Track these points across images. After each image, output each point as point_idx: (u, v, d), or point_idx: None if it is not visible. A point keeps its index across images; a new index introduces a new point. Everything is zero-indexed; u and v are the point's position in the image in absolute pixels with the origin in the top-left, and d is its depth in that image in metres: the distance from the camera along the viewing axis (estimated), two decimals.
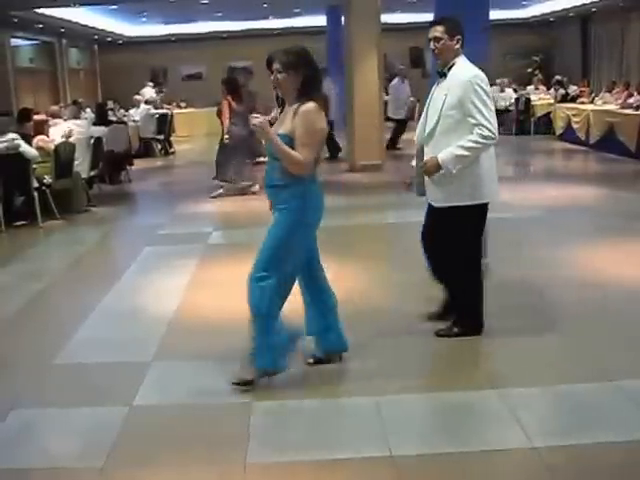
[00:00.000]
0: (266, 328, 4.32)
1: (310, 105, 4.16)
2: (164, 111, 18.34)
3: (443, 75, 4.83)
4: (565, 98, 18.75)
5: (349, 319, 5.28)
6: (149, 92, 21.04)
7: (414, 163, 5.10)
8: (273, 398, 4.35)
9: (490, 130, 4.59)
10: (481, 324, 5.03)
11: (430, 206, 5.02)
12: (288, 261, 4.29)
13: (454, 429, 3.95)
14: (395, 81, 16.99)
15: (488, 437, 3.79)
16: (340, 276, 6.78)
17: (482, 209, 4.88)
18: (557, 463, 3.50)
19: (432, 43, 4.83)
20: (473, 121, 4.61)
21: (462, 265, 4.94)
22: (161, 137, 17.98)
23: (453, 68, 4.78)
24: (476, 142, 4.61)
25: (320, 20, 22.91)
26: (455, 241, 4.88)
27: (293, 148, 4.12)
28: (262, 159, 11.16)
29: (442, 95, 4.75)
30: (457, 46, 4.80)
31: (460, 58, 4.82)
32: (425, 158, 4.84)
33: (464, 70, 4.76)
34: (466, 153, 4.63)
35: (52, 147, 9.98)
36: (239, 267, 7.15)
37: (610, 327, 5.23)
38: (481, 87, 4.64)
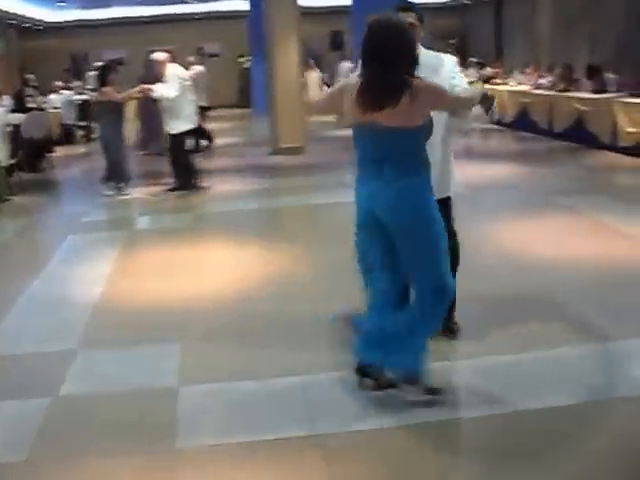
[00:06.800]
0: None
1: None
2: (86, 97, 18.08)
3: None
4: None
5: (275, 302, 5.45)
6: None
7: None
8: (198, 382, 4.38)
9: None
10: None
11: None
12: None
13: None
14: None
15: None
16: (268, 258, 6.98)
17: None
18: None
19: None
20: None
21: None
22: (83, 124, 17.77)
23: None
24: None
25: (243, 4, 22.90)
26: None
27: None
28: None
29: None
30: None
31: None
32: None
33: None
34: None
35: None
36: (165, 252, 7.37)
37: (525, 298, 5.45)
38: None
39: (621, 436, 3.57)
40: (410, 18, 4.28)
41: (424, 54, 4.24)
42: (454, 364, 4.50)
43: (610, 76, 13.51)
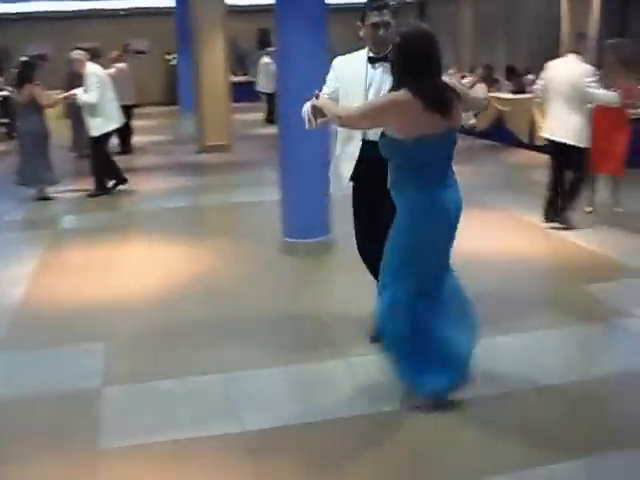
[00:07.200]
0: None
1: None
2: (6, 93, 17.74)
3: (384, 59, 4.37)
4: None
5: (200, 300, 5.54)
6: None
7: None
8: (123, 382, 4.40)
9: None
10: None
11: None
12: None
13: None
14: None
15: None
16: (194, 256, 7.04)
17: None
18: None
19: (381, 29, 4.38)
20: None
21: None
22: (4, 121, 17.43)
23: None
24: None
25: (170, 0, 22.71)
26: None
27: None
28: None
29: (387, 76, 4.22)
30: None
31: None
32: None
33: None
34: None
35: None
36: (90, 251, 7.34)
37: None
38: None
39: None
40: (386, 16, 4.38)
41: None
42: None
43: (528, 77, 13.95)
